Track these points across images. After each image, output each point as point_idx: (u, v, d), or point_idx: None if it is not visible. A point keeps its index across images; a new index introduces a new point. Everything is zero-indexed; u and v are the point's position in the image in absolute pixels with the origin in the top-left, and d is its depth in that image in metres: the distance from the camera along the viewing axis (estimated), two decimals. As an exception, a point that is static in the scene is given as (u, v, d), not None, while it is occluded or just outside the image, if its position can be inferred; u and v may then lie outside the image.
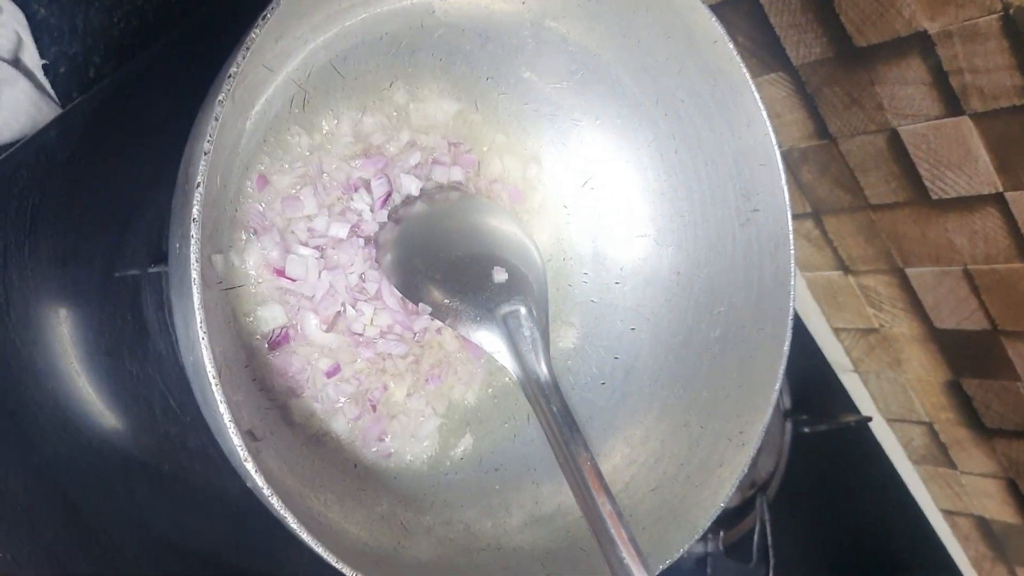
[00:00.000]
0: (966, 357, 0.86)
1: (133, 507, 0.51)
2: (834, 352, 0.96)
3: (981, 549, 1.01)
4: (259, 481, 0.34)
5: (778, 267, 0.49)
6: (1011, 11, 0.61)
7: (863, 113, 0.74)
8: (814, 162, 0.81)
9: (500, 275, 0.47)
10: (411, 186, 0.49)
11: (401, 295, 0.47)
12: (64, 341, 0.49)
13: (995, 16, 0.62)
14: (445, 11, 0.48)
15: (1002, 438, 0.89)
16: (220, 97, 0.34)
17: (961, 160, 0.71)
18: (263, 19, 0.36)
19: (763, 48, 0.75)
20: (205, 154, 0.34)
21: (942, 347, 0.87)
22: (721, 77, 0.48)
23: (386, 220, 0.48)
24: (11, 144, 0.48)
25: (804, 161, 0.81)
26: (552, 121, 0.54)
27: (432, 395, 0.51)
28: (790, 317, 0.49)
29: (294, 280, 0.45)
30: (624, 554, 0.38)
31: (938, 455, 0.96)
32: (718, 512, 0.47)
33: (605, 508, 0.39)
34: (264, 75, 0.42)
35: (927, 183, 0.75)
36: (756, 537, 0.78)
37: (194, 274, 0.33)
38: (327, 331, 0.46)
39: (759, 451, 0.48)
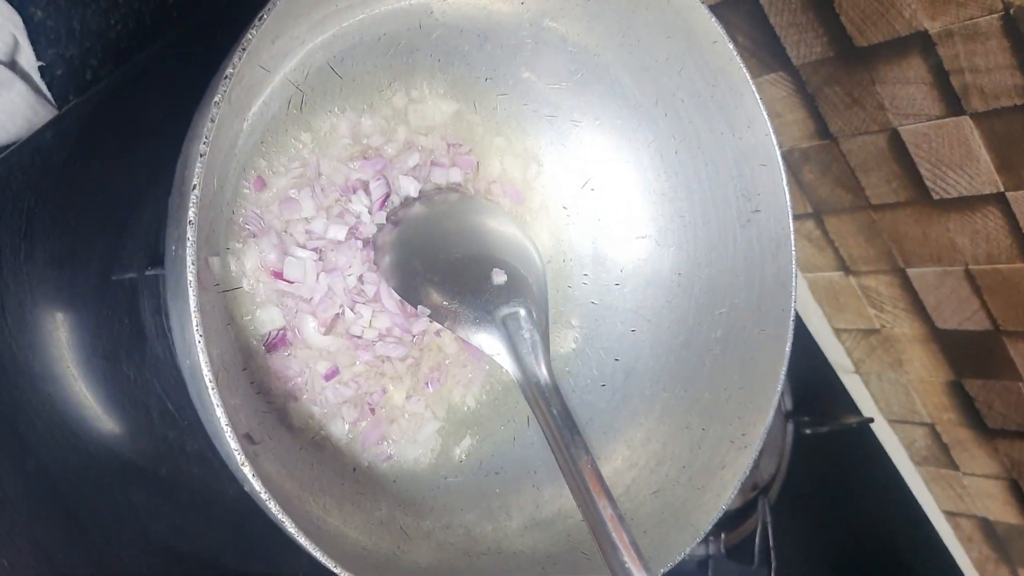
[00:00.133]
0: (968, 358, 0.85)
1: (131, 511, 0.50)
2: (835, 353, 0.96)
3: (984, 551, 1.01)
4: (256, 485, 0.34)
5: (779, 268, 0.49)
6: (1012, 10, 0.61)
7: (864, 113, 0.74)
8: (815, 162, 0.81)
9: (499, 277, 0.47)
10: (410, 188, 0.49)
11: (400, 297, 0.47)
12: (61, 345, 0.49)
13: (996, 15, 0.61)
14: (443, 11, 0.48)
15: (1004, 439, 0.89)
16: (216, 98, 0.34)
17: (962, 160, 0.71)
18: (260, 20, 0.35)
19: (763, 48, 0.75)
20: (201, 156, 0.34)
21: (944, 348, 0.86)
22: (721, 77, 0.48)
23: (384, 222, 0.48)
24: (7, 146, 0.48)
25: (805, 161, 0.81)
26: (551, 122, 0.54)
27: (431, 398, 0.51)
28: (791, 318, 0.49)
29: (292, 282, 0.45)
30: (625, 557, 0.38)
31: (940, 456, 0.96)
32: (720, 514, 0.46)
33: (606, 511, 0.39)
34: (261, 76, 0.42)
35: (928, 183, 0.75)
36: (758, 539, 0.77)
37: (190, 277, 0.33)
38: (325, 334, 0.46)
39: (761, 453, 0.48)
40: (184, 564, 0.52)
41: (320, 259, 0.46)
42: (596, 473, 0.40)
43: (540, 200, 0.55)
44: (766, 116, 0.48)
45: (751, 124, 0.48)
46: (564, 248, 0.56)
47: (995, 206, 0.72)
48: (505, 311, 0.46)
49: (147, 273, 0.48)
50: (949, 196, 0.74)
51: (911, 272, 0.83)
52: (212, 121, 0.34)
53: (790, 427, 0.86)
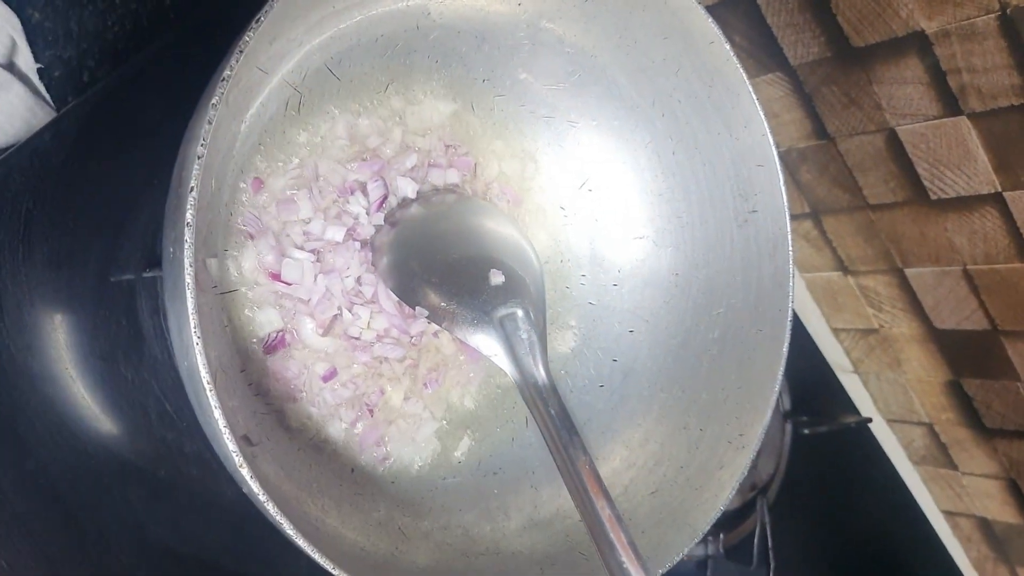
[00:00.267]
0: (966, 357, 0.85)
1: (129, 513, 0.50)
2: (834, 353, 0.96)
3: (983, 550, 1.01)
4: (254, 486, 0.34)
5: (776, 268, 0.49)
6: (1008, 10, 0.61)
7: (861, 113, 0.74)
8: (812, 162, 0.81)
9: (497, 278, 0.47)
10: (407, 189, 0.49)
11: (398, 298, 0.47)
12: (59, 346, 0.49)
13: (993, 15, 0.61)
14: (440, 13, 0.48)
15: (1003, 438, 0.89)
16: (214, 100, 0.34)
17: (960, 160, 0.71)
18: (257, 21, 0.35)
19: (760, 48, 0.75)
20: (199, 157, 0.34)
21: (942, 347, 0.86)
22: (718, 78, 0.48)
23: (382, 223, 0.48)
24: (5, 148, 0.48)
25: (803, 161, 0.81)
26: (549, 123, 0.54)
27: (429, 399, 0.51)
28: (789, 318, 0.49)
29: (290, 284, 0.45)
30: (623, 558, 0.38)
31: (939, 456, 0.96)
32: (718, 515, 0.46)
33: (604, 512, 0.39)
34: (258, 77, 0.42)
35: (926, 183, 0.75)
36: (756, 539, 0.77)
37: (188, 278, 0.33)
38: (323, 335, 0.46)
39: (759, 453, 0.48)
40: (182, 565, 0.52)
41: (318, 260, 0.46)
42: (594, 474, 0.40)
43: (537, 201, 0.55)
44: (763, 116, 0.48)
45: (748, 124, 0.48)
46: (562, 249, 0.56)
47: (993, 206, 0.72)
48: (503, 312, 0.46)
49: (145, 275, 0.48)
50: (947, 196, 0.74)
51: (909, 272, 0.83)
52: (209, 123, 0.34)
53: (788, 427, 0.86)
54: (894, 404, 0.96)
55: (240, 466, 0.34)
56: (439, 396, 0.51)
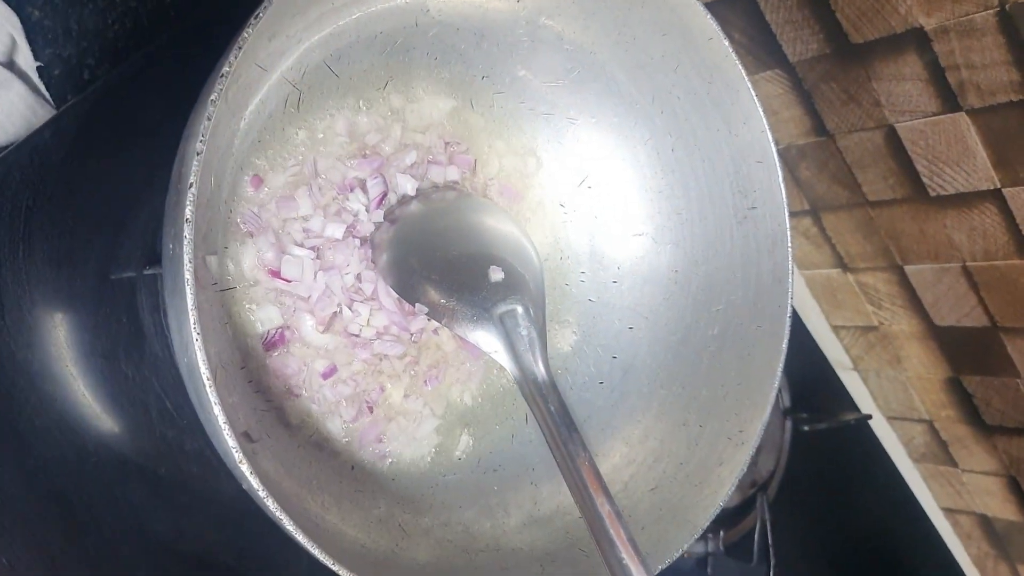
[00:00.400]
0: (966, 354, 0.85)
1: (130, 510, 0.51)
2: (833, 350, 0.96)
3: (983, 547, 1.01)
4: (254, 483, 0.34)
5: (776, 264, 0.49)
6: (1007, 6, 0.61)
7: (860, 110, 0.74)
8: (812, 159, 0.81)
9: (497, 274, 0.47)
10: (407, 186, 0.49)
11: (398, 295, 0.47)
12: (59, 344, 0.49)
13: (991, 12, 0.61)
14: (439, 9, 0.48)
15: (1003, 435, 0.89)
16: (213, 96, 0.34)
17: (959, 156, 0.71)
18: (256, 18, 0.35)
19: (759, 45, 0.75)
20: (198, 154, 0.34)
21: (942, 344, 0.86)
22: (717, 74, 0.48)
23: (382, 220, 0.48)
24: (5, 146, 0.48)
25: (802, 158, 0.81)
26: (548, 120, 0.54)
27: (429, 396, 0.51)
28: (788, 314, 0.49)
29: (289, 281, 0.45)
30: (623, 554, 0.38)
31: (939, 453, 0.96)
32: (718, 511, 0.47)
33: (604, 508, 0.39)
34: (258, 74, 0.42)
35: (925, 180, 0.75)
36: (756, 536, 0.78)
37: (187, 275, 0.33)
38: (323, 332, 0.46)
39: (759, 450, 0.48)
40: (183, 562, 0.52)
41: (318, 257, 0.46)
42: (594, 470, 0.40)
43: (537, 198, 0.55)
44: (762, 112, 0.48)
45: (747, 121, 0.49)
46: (561, 246, 0.56)
47: (992, 202, 0.72)
48: (502, 308, 0.46)
49: (145, 272, 0.48)
50: (946, 193, 0.74)
51: (908, 269, 0.83)
52: (209, 119, 0.34)
53: (788, 424, 0.86)
54: (894, 401, 0.96)
55: (240, 462, 0.34)
56: (439, 393, 0.51)
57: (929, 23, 0.65)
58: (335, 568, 0.36)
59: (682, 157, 0.53)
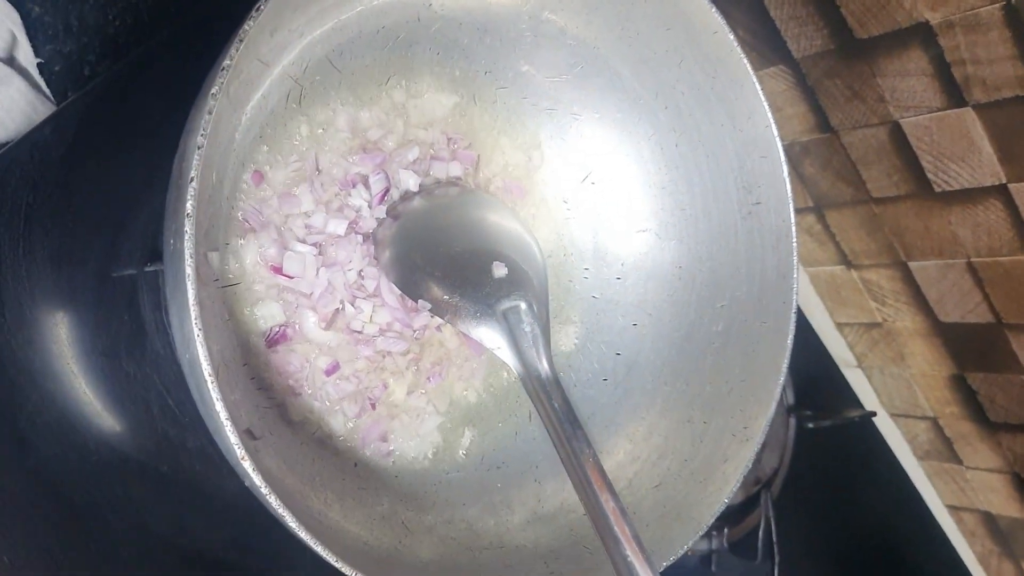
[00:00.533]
0: (970, 351, 0.85)
1: (132, 508, 0.50)
2: (837, 347, 0.96)
3: (987, 545, 1.00)
4: (257, 480, 0.34)
5: (780, 260, 0.49)
6: (1013, 0, 0.60)
7: (865, 106, 0.73)
8: (816, 156, 0.80)
9: (500, 270, 0.47)
10: (409, 182, 0.49)
11: (400, 292, 0.47)
12: (61, 342, 0.49)
13: (997, 6, 0.61)
14: (442, 4, 0.48)
15: (1007, 432, 0.89)
16: (214, 90, 0.34)
17: (964, 152, 0.71)
18: (257, 11, 0.35)
19: (763, 41, 0.74)
20: (199, 149, 0.34)
21: (946, 341, 0.86)
22: (721, 68, 0.48)
23: (384, 216, 0.48)
24: (5, 143, 0.48)
25: (806, 155, 0.81)
26: (551, 115, 0.54)
27: (433, 393, 0.50)
28: (793, 310, 0.48)
29: (292, 277, 0.45)
30: (628, 551, 0.38)
31: (943, 450, 0.96)
32: (722, 508, 0.46)
33: (608, 505, 0.39)
34: (259, 69, 0.42)
35: (930, 175, 0.74)
36: (761, 533, 0.77)
37: (188, 270, 0.33)
38: (326, 329, 0.46)
39: (763, 447, 0.48)
40: (185, 560, 0.52)
41: (320, 254, 0.46)
42: (598, 467, 0.40)
43: (540, 194, 0.55)
44: (767, 107, 0.48)
45: (751, 116, 0.48)
46: (565, 242, 0.56)
47: (997, 198, 0.72)
48: (506, 305, 0.46)
49: (146, 269, 0.48)
50: (951, 189, 0.74)
51: (913, 265, 0.82)
52: (209, 113, 0.34)
53: (792, 421, 0.86)
54: (898, 398, 0.95)
55: (242, 459, 0.34)
56: (442, 390, 0.51)
57: (934, 17, 0.64)
58: (338, 565, 0.36)
59: (686, 152, 0.52)
